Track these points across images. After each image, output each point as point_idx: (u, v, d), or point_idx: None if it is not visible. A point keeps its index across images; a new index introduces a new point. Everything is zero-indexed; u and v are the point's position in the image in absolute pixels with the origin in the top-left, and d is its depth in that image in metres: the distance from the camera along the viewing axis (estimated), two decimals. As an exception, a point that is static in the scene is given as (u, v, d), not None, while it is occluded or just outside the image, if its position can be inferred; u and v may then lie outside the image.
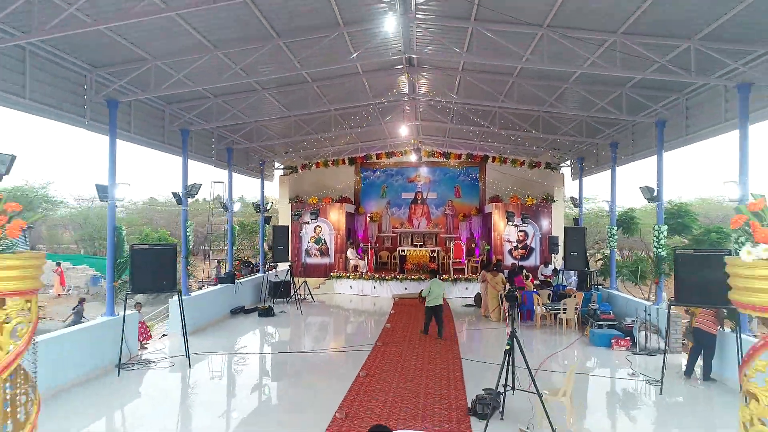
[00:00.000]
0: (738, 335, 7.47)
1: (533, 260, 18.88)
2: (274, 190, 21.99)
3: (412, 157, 19.46)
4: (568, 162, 19.08)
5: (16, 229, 2.86)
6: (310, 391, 7.81)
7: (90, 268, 25.20)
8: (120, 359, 8.64)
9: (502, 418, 6.58)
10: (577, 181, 17.21)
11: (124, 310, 8.88)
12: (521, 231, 18.93)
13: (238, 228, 17.68)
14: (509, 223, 18.71)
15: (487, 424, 6.21)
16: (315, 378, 8.65)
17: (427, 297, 11.41)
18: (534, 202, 19.14)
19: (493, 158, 19.73)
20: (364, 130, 15.77)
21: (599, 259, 23.25)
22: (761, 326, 13.27)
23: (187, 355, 9.11)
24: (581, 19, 8.08)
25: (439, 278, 12.77)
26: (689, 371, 8.41)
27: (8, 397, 2.93)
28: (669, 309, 8.74)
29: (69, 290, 23.61)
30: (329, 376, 8.70)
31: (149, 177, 70.03)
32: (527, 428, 6.29)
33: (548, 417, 6.11)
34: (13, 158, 6.74)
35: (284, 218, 20.53)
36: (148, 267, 8.87)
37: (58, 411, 6.82)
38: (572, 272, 14.99)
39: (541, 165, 19.28)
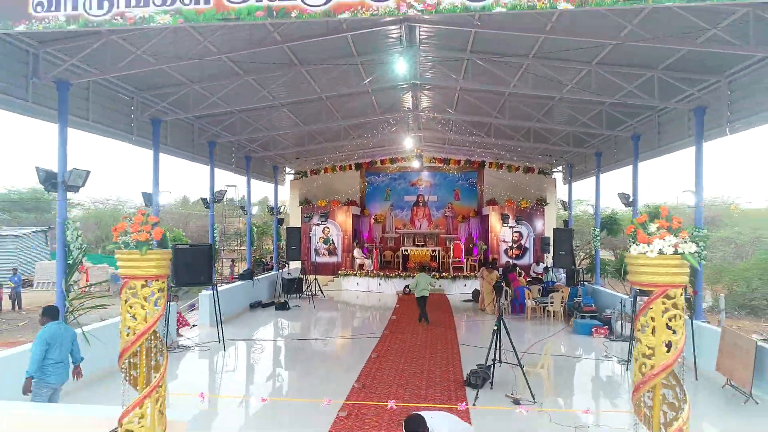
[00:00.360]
0: (691, 321, 8.91)
1: (527, 259, 20.28)
2: (285, 194, 23.40)
3: (415, 163, 20.87)
4: (560, 167, 20.50)
5: (159, 234, 4.28)
6: (331, 368, 9.25)
7: (110, 266, 26.61)
8: (170, 339, 10.09)
9: (491, 388, 7.99)
10: (568, 185, 18.66)
11: (168, 301, 10.30)
12: (516, 232, 20.35)
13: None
14: (505, 224, 20.14)
15: (478, 392, 7.65)
16: (333, 358, 10.09)
17: (414, 289, 12.88)
18: (528, 205, 20.53)
19: (490, 164, 21.18)
20: (371, 139, 17.18)
21: (584, 258, 24.66)
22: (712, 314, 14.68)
23: (222, 340, 10.55)
24: (561, 52, 9.49)
25: (427, 273, 14.20)
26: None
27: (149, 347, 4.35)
28: (635, 299, 10.16)
29: (91, 287, 24.98)
30: (345, 357, 10.13)
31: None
32: (512, 394, 7.70)
33: (529, 385, 7.55)
34: (87, 173, 8.17)
35: (294, 220, 21.93)
36: (188, 264, 10.30)
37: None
38: (561, 269, 16.40)
39: (534, 170, 20.73)
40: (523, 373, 7.66)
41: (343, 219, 21.32)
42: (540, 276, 17.14)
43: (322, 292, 18.24)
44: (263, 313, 14.96)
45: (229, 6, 4.61)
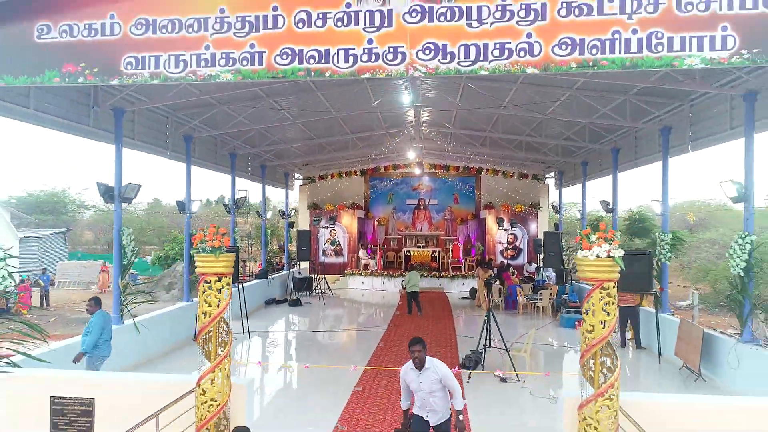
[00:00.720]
0: (657, 314, 10.34)
1: (522, 260, 21.69)
2: (294, 198, 24.80)
3: (416, 170, 22.29)
4: (552, 174, 21.90)
5: (227, 242, 5.70)
6: (347, 352, 10.69)
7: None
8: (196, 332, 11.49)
9: (483, 368, 9.40)
10: (561, 189, 20.08)
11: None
12: (511, 234, 21.77)
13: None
14: (500, 227, 21.56)
15: (471, 372, 9.07)
16: (348, 345, 11.52)
17: (407, 285, 14.57)
18: (522, 208, 21.94)
19: (487, 170, 22.61)
20: (376, 149, 18.61)
21: (572, 258, 26.11)
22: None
23: (247, 331, 11.96)
24: (545, 79, 10.88)
25: (417, 271, 15.99)
26: (623, 343, 11.24)
27: (225, 330, 5.77)
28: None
29: (110, 286, 26.39)
30: (357, 344, 11.57)
31: (150, 183, 73.07)
32: (499, 374, 9.11)
33: (513, 366, 8.98)
34: (139, 187, 9.58)
35: (303, 223, 23.35)
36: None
37: (176, 360, 9.69)
38: (551, 269, 17.80)
39: (528, 176, 22.15)
40: (509, 356, 9.08)
41: (349, 222, 22.75)
42: (532, 275, 18.56)
43: (330, 290, 19.64)
44: (278, 309, 16.38)
45: (278, 67, 6.02)
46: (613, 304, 5.27)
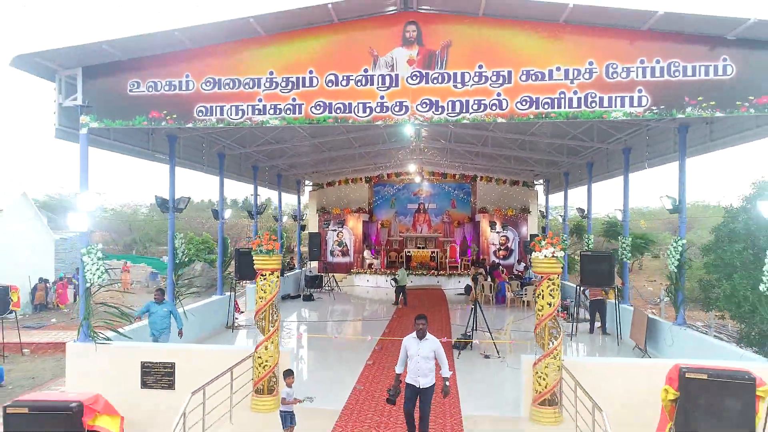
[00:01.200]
0: (617, 304, 12.40)
1: (513, 259, 23.74)
2: (304, 202, 26.85)
3: (416, 177, 24.34)
4: (541, 181, 23.93)
5: (275, 244, 7.77)
6: (360, 334, 12.74)
7: (147, 266, 30.11)
8: (229, 321, 13.58)
9: (471, 349, 11.46)
10: (547, 196, 22.15)
11: (233, 290, 13.80)
12: (503, 236, 23.83)
13: (268, 233, 22.58)
14: (493, 230, 23.62)
15: (461, 351, 11.13)
16: (359, 331, 13.57)
17: (399, 280, 17.27)
18: (513, 212, 23.98)
19: (481, 177, 24.66)
20: (380, 159, 20.69)
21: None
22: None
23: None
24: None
25: (405, 268, 19.34)
26: (591, 329, 13.30)
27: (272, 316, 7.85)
28: (577, 288, 13.59)
29: (132, 284, 28.48)
30: (366, 332, 13.61)
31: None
32: (483, 352, 11.17)
33: (496, 347, 11.04)
34: (189, 199, 11.65)
35: (312, 226, 25.40)
36: (247, 263, 13.71)
37: (214, 343, 11.75)
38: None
39: (519, 183, 24.20)
40: (492, 339, 11.15)
41: (354, 224, 24.81)
42: (521, 273, 20.62)
43: (338, 287, 21.69)
44: (293, 303, 18.44)
45: (313, 115, 8.09)
46: (557, 290, 7.35)
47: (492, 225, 23.60)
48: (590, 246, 15.81)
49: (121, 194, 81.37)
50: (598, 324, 13.45)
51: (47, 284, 21.98)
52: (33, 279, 21.61)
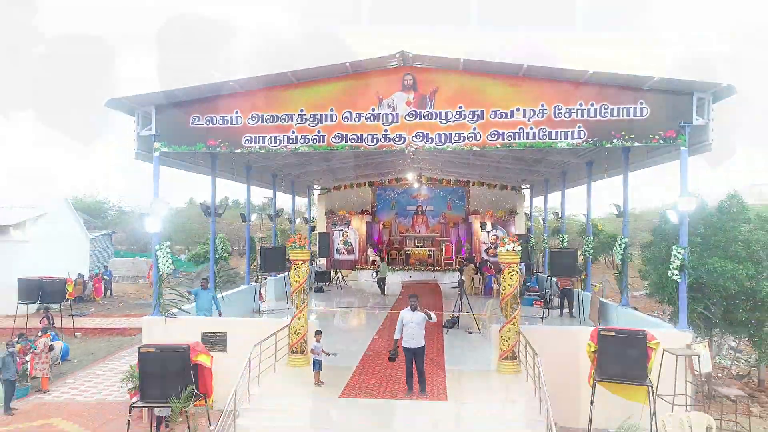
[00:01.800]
0: (579, 292, 14.97)
1: (502, 257, 26.25)
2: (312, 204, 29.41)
3: (415, 183, 26.88)
4: (528, 185, 26.47)
5: (306, 241, 10.32)
6: (366, 319, 15.29)
7: (168, 263, 32.72)
8: (255, 307, 16.14)
9: (458, 328, 13.99)
10: (534, 200, 24.70)
11: (259, 281, 16.34)
12: (493, 235, 26.36)
13: (280, 233, 25.07)
14: (484, 230, 26.17)
15: (449, 329, 13.68)
16: (365, 316, 16.14)
17: (380, 272, 20.12)
18: (503, 214, 26.50)
19: (474, 182, 27.21)
20: (382, 168, 23.22)
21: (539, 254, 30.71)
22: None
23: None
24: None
25: (386, 263, 22.68)
26: (561, 313, 15.85)
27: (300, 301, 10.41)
28: (548, 278, 16.12)
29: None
30: (372, 316, 16.17)
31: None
32: (468, 329, 13.70)
33: (477, 325, 13.61)
34: (227, 205, 14.20)
35: (320, 226, 27.93)
36: (272, 257, 16.29)
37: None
38: (522, 263, 22.37)
39: (508, 188, 26.74)
40: (475, 318, 13.70)
41: (359, 225, 27.35)
42: (508, 269, 23.17)
43: (345, 281, 24.20)
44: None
45: (333, 144, 10.64)
46: (516, 275, 9.90)
47: (483, 225, 26.14)
48: (564, 244, 18.35)
49: (138, 197, 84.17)
50: (566, 309, 15.99)
51: (83, 279, 24.49)
52: (72, 274, 24.11)
